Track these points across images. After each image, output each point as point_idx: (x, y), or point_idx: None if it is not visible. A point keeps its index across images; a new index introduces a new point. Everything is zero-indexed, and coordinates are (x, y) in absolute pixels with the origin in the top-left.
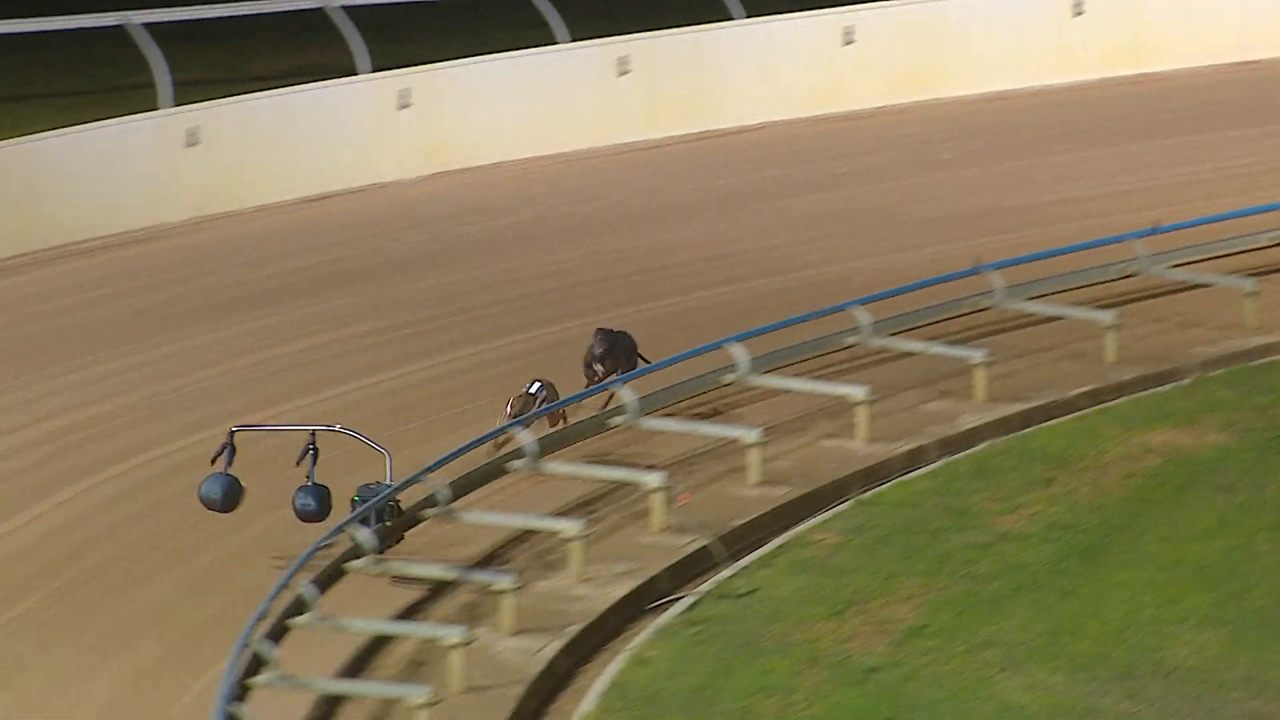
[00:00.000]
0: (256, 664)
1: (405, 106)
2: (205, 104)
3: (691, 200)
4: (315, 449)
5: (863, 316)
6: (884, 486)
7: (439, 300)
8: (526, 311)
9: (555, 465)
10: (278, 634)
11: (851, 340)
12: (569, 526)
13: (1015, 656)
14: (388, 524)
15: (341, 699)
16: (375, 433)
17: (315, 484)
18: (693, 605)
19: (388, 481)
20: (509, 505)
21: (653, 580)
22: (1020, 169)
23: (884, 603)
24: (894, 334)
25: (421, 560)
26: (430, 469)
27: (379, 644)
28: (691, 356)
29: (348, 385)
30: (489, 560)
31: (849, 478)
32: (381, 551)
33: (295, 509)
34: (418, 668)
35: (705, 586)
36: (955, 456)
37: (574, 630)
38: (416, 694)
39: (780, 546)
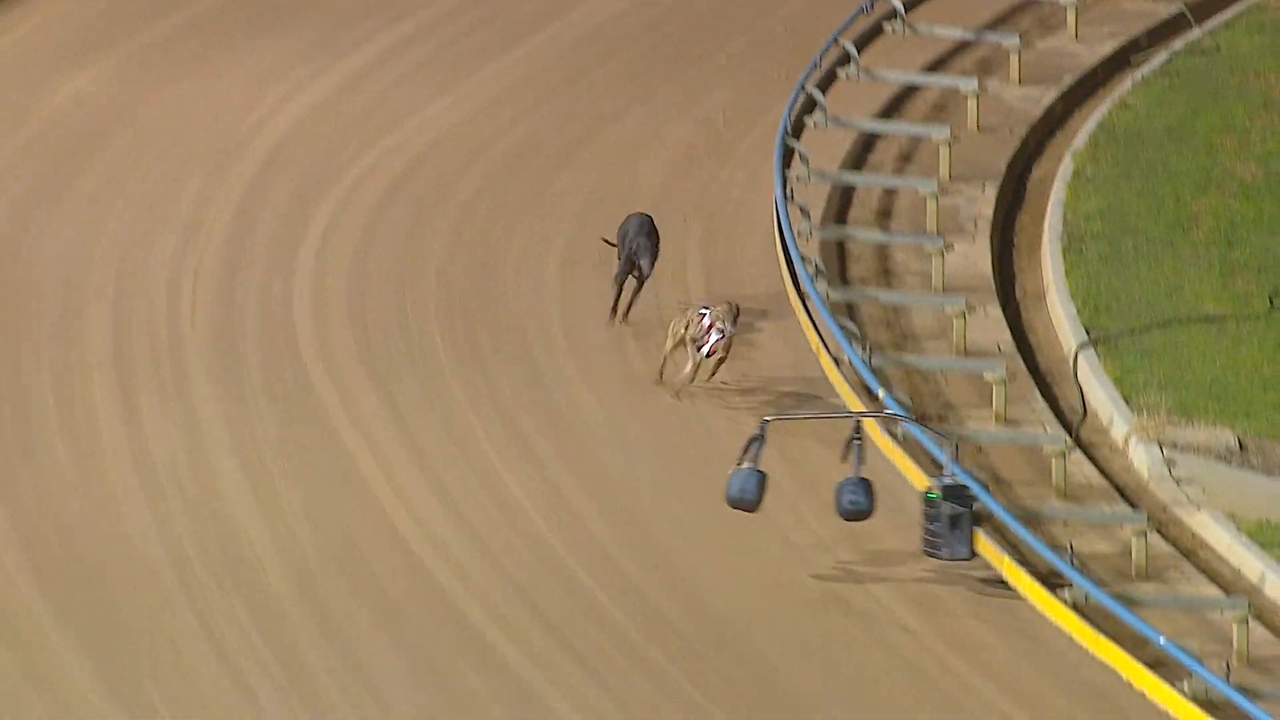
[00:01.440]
0: (810, 105)
1: None
2: None
3: None
4: (860, 439)
5: None
6: None
7: None
8: None
9: None
10: (826, 83)
11: None
12: None
13: None
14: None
15: (876, 137)
16: None
17: (861, 477)
18: (1167, 60)
19: (946, 475)
20: None
21: (1134, 40)
22: None
23: None
24: None
25: (942, 23)
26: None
27: (908, 93)
28: None
29: None
30: (998, 23)
31: None
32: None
33: (843, 506)
34: (939, 111)
35: (1178, 45)
36: None
37: (1068, 81)
38: (938, 133)
39: (1240, 12)
